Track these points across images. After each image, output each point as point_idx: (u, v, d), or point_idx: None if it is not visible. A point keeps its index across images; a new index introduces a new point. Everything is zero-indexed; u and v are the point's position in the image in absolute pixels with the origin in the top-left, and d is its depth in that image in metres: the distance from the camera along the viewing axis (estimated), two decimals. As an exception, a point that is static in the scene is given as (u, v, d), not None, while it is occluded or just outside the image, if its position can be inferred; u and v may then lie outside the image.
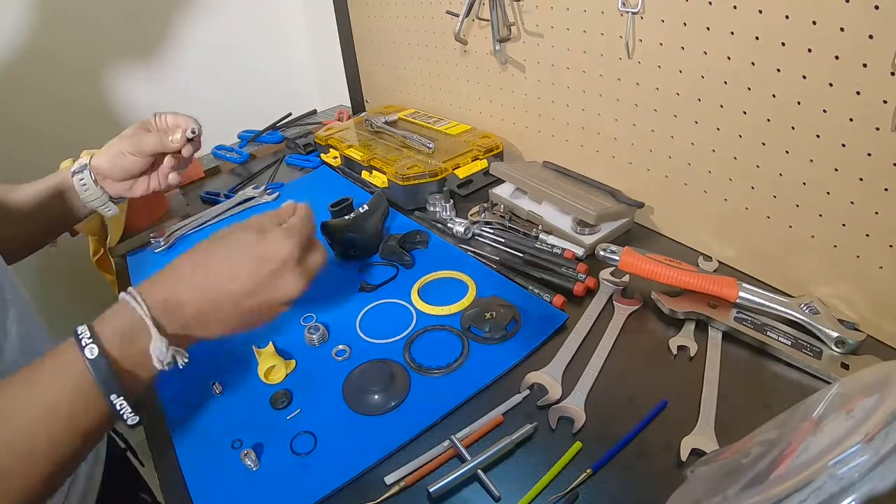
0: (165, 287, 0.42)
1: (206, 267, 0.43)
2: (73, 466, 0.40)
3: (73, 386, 0.37)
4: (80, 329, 0.38)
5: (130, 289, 0.41)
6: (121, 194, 0.69)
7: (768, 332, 0.55)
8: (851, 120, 0.49)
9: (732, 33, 0.56)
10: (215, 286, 0.42)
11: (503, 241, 0.74)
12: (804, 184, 0.55)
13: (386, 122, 1.03)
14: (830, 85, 0.49)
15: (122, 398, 0.38)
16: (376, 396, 0.53)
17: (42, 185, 0.65)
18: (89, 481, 0.58)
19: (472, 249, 0.74)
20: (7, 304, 0.50)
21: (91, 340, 0.37)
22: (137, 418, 0.39)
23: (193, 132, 0.66)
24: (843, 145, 0.51)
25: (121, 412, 0.38)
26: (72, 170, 0.65)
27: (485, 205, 0.82)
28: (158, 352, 0.39)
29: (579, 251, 0.70)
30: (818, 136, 0.52)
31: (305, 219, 0.48)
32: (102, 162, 0.65)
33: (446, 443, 0.48)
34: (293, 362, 0.58)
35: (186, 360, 0.42)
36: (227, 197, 0.96)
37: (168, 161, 0.68)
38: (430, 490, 0.44)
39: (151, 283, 0.42)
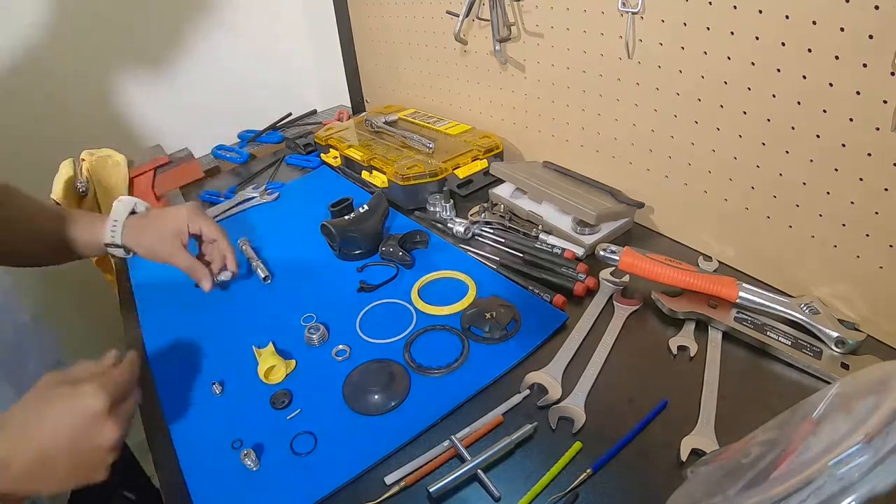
0: None
1: (25, 426, 0.43)
2: None
3: None
4: None
5: None
6: None
7: (768, 332, 0.55)
8: (851, 120, 0.49)
9: (732, 33, 0.55)
10: (36, 445, 0.42)
11: (503, 241, 0.74)
12: (804, 184, 0.55)
13: (386, 122, 1.03)
14: (830, 85, 0.49)
15: None
16: (376, 396, 0.53)
17: (73, 231, 0.66)
18: None
19: (472, 249, 0.74)
20: None
21: None
22: None
23: (226, 278, 0.71)
24: (843, 145, 0.51)
25: None
26: (104, 242, 0.67)
27: (485, 205, 0.82)
28: None
29: (579, 251, 0.70)
30: (818, 136, 0.52)
31: (120, 369, 0.47)
32: (136, 246, 0.67)
33: (446, 443, 0.48)
34: (293, 362, 0.58)
35: None
36: (227, 197, 0.96)
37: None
38: (430, 490, 0.44)
39: None
